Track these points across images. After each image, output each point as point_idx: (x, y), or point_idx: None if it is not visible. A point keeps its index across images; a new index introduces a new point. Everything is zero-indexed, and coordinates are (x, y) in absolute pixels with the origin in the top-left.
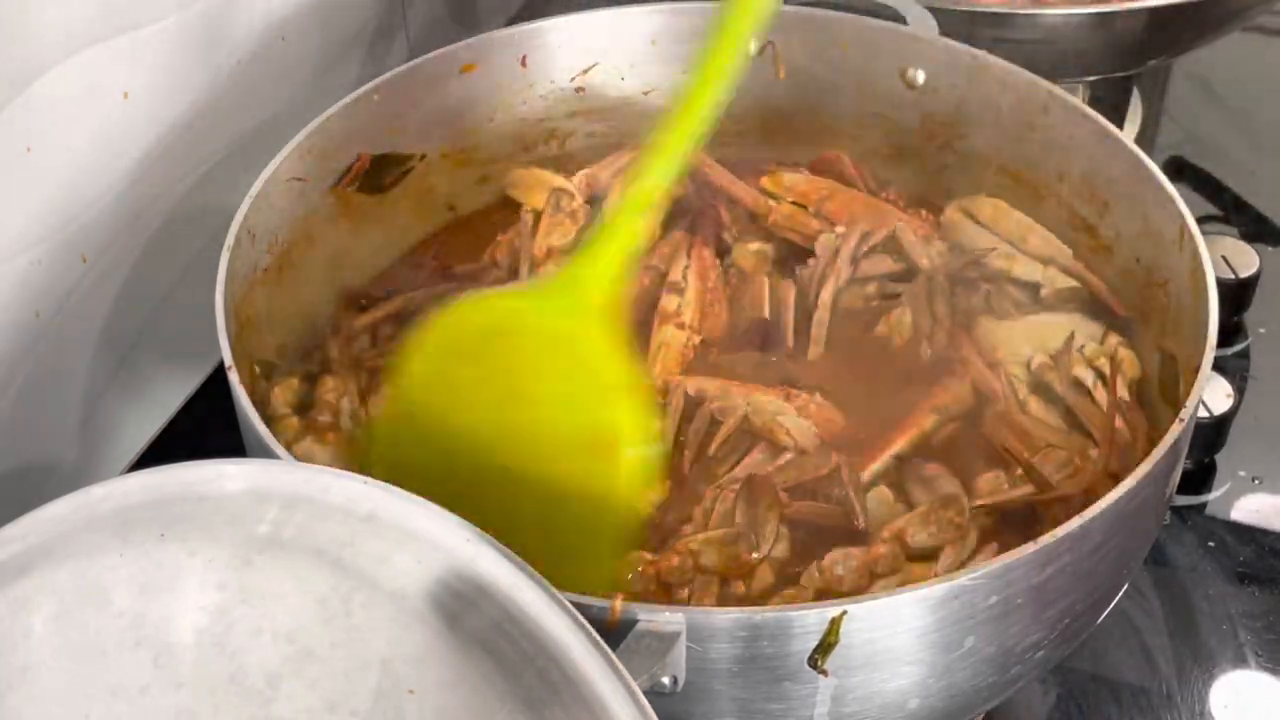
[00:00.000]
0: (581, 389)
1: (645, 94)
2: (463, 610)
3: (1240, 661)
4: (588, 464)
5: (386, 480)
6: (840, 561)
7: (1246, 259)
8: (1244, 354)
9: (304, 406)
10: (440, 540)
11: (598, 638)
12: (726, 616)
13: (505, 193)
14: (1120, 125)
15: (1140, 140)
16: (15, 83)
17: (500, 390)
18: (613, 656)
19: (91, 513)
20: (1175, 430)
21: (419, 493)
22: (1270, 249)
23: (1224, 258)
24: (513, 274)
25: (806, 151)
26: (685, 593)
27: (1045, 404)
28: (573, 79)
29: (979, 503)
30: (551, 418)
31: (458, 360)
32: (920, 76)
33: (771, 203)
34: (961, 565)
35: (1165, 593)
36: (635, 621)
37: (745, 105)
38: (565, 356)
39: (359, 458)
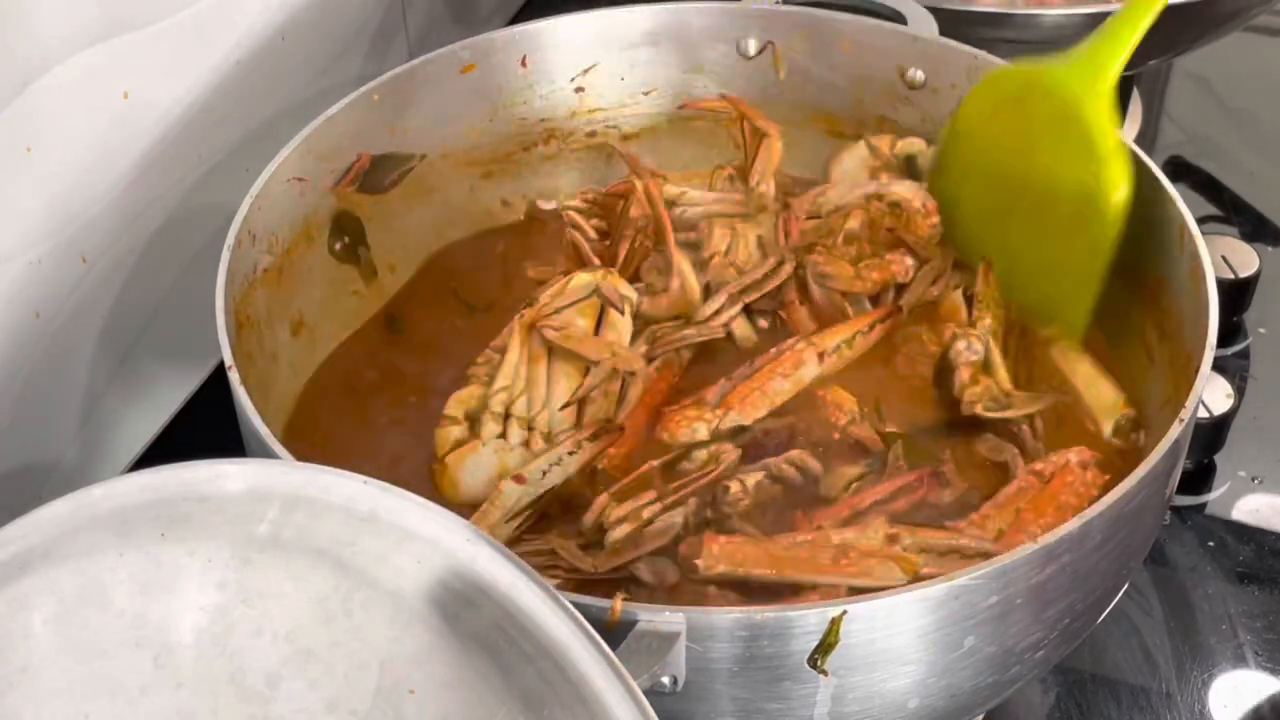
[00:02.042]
0: (1075, 152)
1: (645, 94)
2: (463, 610)
3: (1240, 661)
4: (1074, 219)
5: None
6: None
7: (1246, 259)
8: (1244, 354)
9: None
10: (440, 540)
11: (598, 638)
12: (726, 616)
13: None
14: (1120, 125)
15: (1140, 140)
16: (15, 83)
17: (1021, 138)
18: (613, 656)
19: (91, 513)
20: (1175, 430)
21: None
22: (1270, 249)
23: (1224, 258)
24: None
25: (807, 152)
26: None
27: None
28: (573, 79)
29: None
30: (1047, 178)
31: (995, 111)
32: (920, 76)
33: None
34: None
35: (1165, 593)
36: (635, 621)
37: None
38: (1064, 125)
39: None
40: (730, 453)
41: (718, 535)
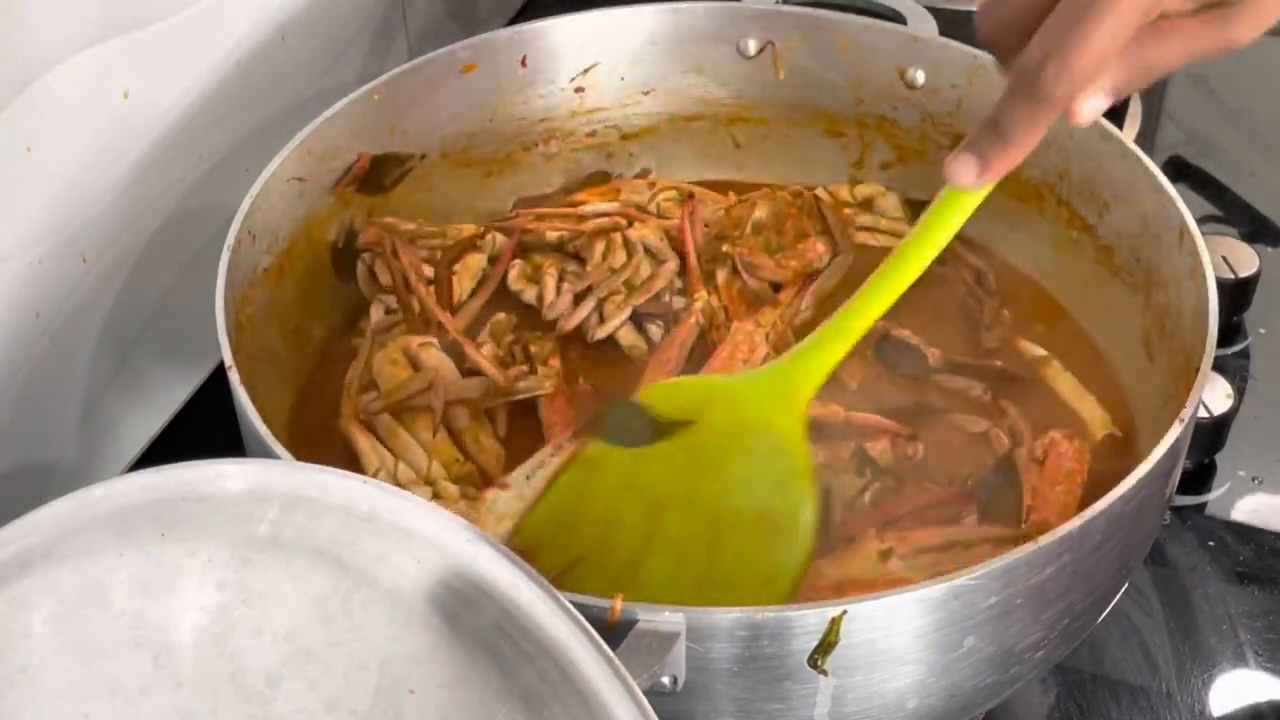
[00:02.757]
0: (763, 473)
1: (645, 94)
2: (463, 610)
3: (1240, 661)
4: (753, 541)
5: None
6: None
7: (1246, 259)
8: (1244, 354)
9: None
10: (440, 540)
11: (598, 638)
12: (727, 616)
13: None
14: (1120, 125)
15: (1140, 140)
16: (15, 83)
17: (684, 461)
18: (613, 656)
19: (91, 513)
20: (1175, 430)
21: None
22: (1270, 249)
23: (1224, 258)
24: None
25: (806, 151)
26: None
27: None
28: (573, 79)
29: None
30: (728, 494)
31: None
32: (920, 76)
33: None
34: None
35: (1165, 593)
36: (635, 621)
37: (744, 104)
38: (755, 442)
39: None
40: None
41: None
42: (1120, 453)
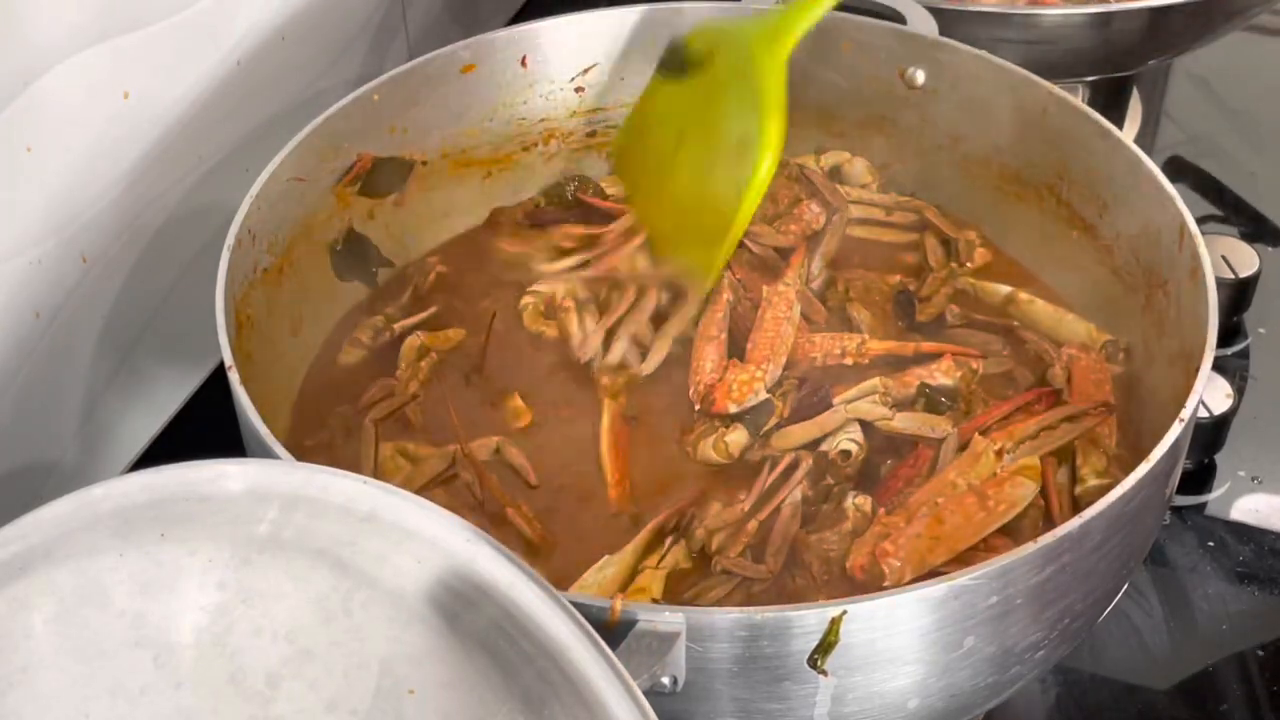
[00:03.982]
0: (743, 103)
1: None
2: (463, 610)
3: (1240, 662)
4: (730, 167)
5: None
6: None
7: (1246, 259)
8: (1244, 354)
9: None
10: (440, 540)
11: (597, 638)
12: (726, 616)
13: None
14: (1120, 125)
15: (1140, 140)
16: (15, 83)
17: (693, 100)
18: (613, 656)
19: (91, 513)
20: (1175, 430)
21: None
22: (1270, 249)
23: (1224, 258)
24: None
25: (806, 150)
26: None
27: None
28: (573, 79)
29: None
30: (716, 126)
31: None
32: (920, 76)
33: None
34: None
35: (1165, 593)
36: (635, 621)
37: None
38: (742, 74)
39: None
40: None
41: (887, 546)
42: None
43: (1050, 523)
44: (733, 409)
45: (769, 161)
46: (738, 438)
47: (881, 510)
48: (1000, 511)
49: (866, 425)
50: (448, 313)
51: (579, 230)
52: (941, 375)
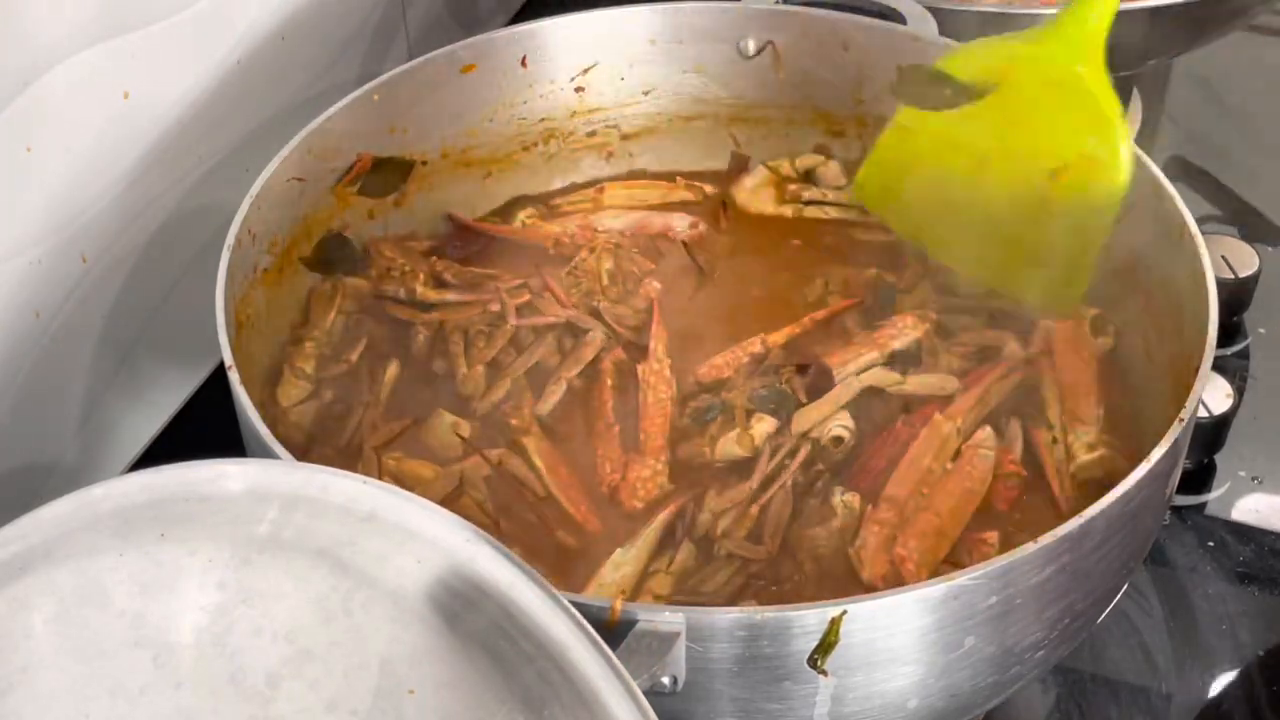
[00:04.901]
0: (1074, 119)
1: (645, 94)
2: (463, 610)
3: (1240, 661)
4: (1078, 185)
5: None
6: None
7: (1246, 259)
8: (1244, 354)
9: None
10: (440, 540)
11: (597, 638)
12: (726, 616)
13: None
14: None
15: (1140, 140)
16: (15, 83)
17: (998, 119)
18: (612, 656)
19: (91, 513)
20: (1175, 430)
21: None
22: (1270, 249)
23: (1224, 258)
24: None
25: (806, 150)
26: None
27: None
28: (573, 79)
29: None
30: (1040, 146)
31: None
32: None
33: None
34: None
35: (1165, 593)
36: (635, 621)
37: (744, 104)
38: (1062, 91)
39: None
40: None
41: (901, 552)
42: (1121, 452)
43: (1054, 505)
44: (640, 506)
45: (1127, 173)
46: (764, 428)
47: (870, 507)
48: (978, 489)
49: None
50: (378, 339)
51: (461, 269)
52: (909, 330)
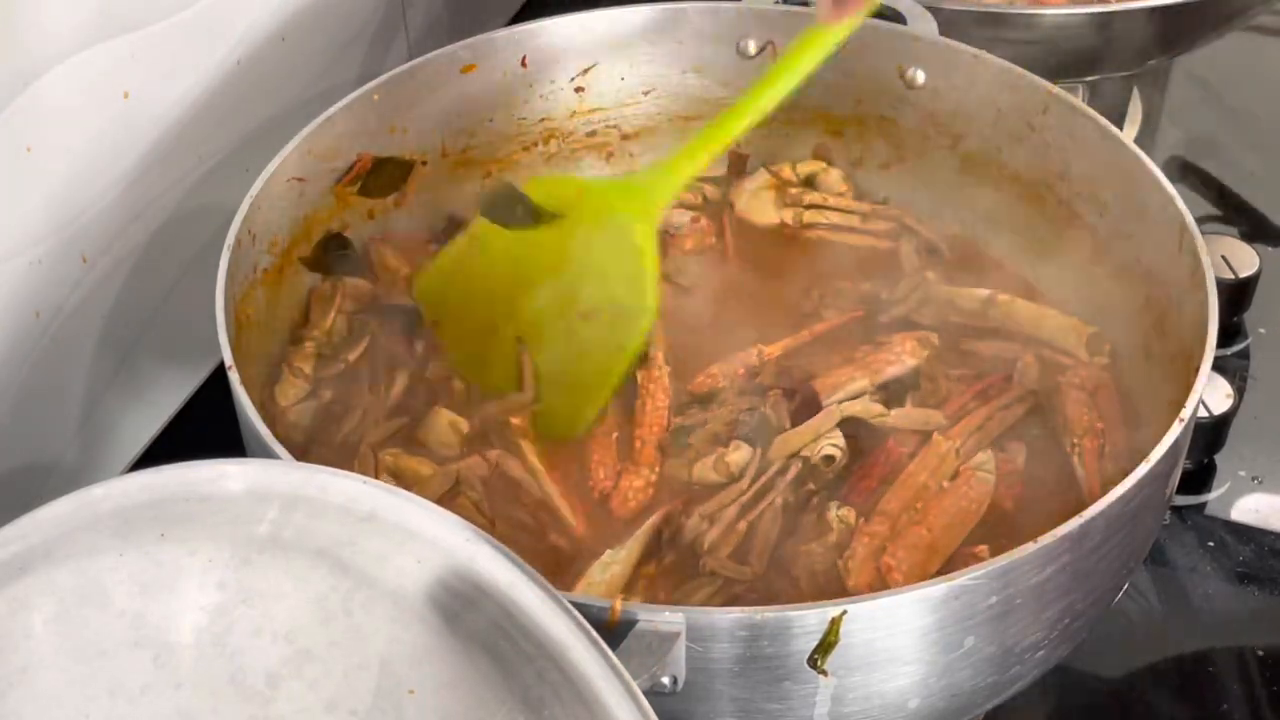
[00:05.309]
0: (617, 267)
1: (645, 94)
2: (463, 610)
3: (1240, 662)
4: (603, 328)
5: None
6: None
7: (1246, 259)
8: (1244, 354)
9: None
10: (440, 540)
11: (597, 638)
12: (726, 616)
13: None
14: (1120, 125)
15: (1140, 140)
16: (15, 83)
17: (554, 248)
18: (612, 656)
19: (91, 513)
20: (1175, 430)
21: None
22: (1270, 249)
23: (1224, 258)
24: None
25: (806, 151)
26: None
27: None
28: (573, 79)
29: None
30: (581, 285)
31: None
32: (920, 76)
33: None
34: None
35: (1165, 593)
36: (635, 621)
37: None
38: (614, 239)
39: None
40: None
41: (889, 561)
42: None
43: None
44: (629, 516)
45: (648, 328)
46: (740, 457)
47: (863, 520)
48: (974, 510)
49: (848, 425)
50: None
51: None
52: (908, 357)
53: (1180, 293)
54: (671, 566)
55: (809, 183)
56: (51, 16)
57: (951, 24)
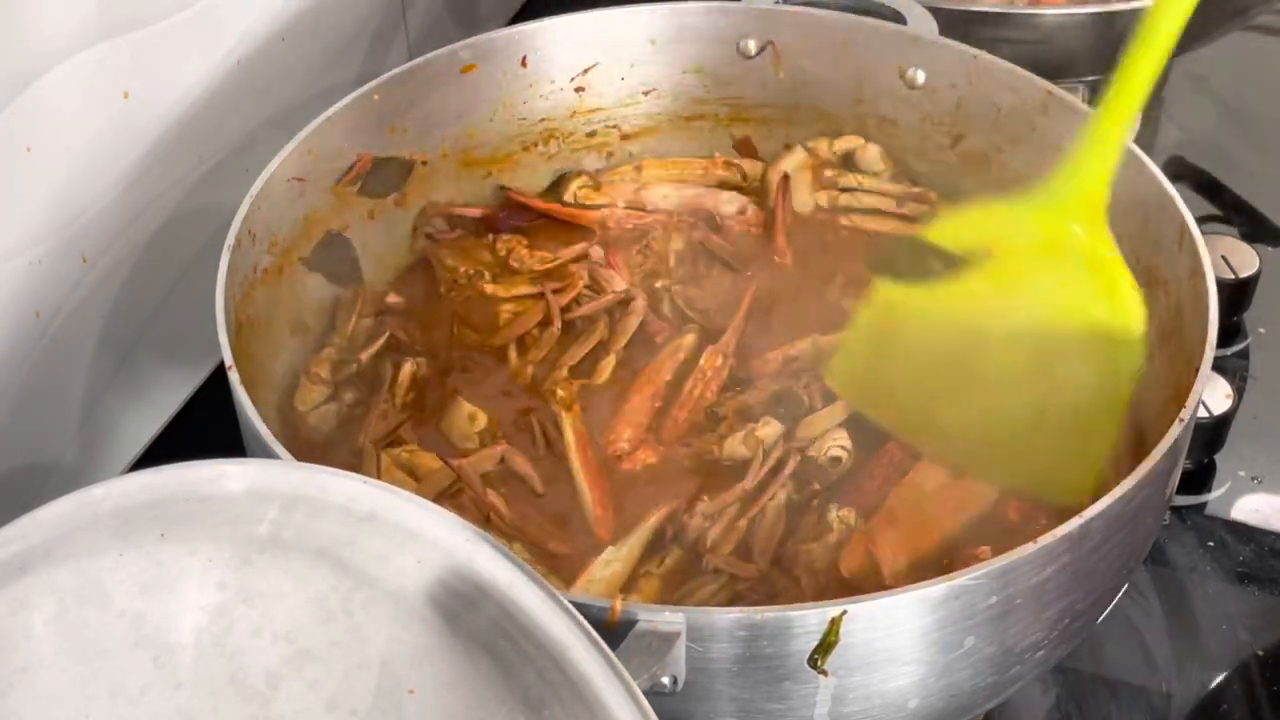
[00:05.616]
0: (1076, 287)
1: (645, 94)
2: (463, 610)
3: (1240, 661)
4: (1083, 360)
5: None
6: None
7: (1246, 259)
8: (1244, 354)
9: None
10: (440, 540)
11: (597, 638)
12: (726, 616)
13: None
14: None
15: (1140, 140)
16: (15, 83)
17: (991, 291)
18: (612, 656)
19: (91, 513)
20: (1175, 430)
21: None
22: (1270, 249)
23: (1224, 258)
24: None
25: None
26: None
27: None
28: (573, 79)
29: None
30: (1042, 320)
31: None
32: (920, 76)
33: None
34: None
35: (1165, 593)
36: (635, 621)
37: (744, 104)
38: (1061, 257)
39: None
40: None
41: (878, 541)
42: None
43: None
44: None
45: (1142, 347)
46: (770, 432)
47: (863, 521)
48: (973, 506)
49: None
50: (400, 337)
51: (525, 251)
52: None
53: (1180, 293)
54: (674, 565)
55: (847, 160)
56: (51, 16)
57: (951, 24)
